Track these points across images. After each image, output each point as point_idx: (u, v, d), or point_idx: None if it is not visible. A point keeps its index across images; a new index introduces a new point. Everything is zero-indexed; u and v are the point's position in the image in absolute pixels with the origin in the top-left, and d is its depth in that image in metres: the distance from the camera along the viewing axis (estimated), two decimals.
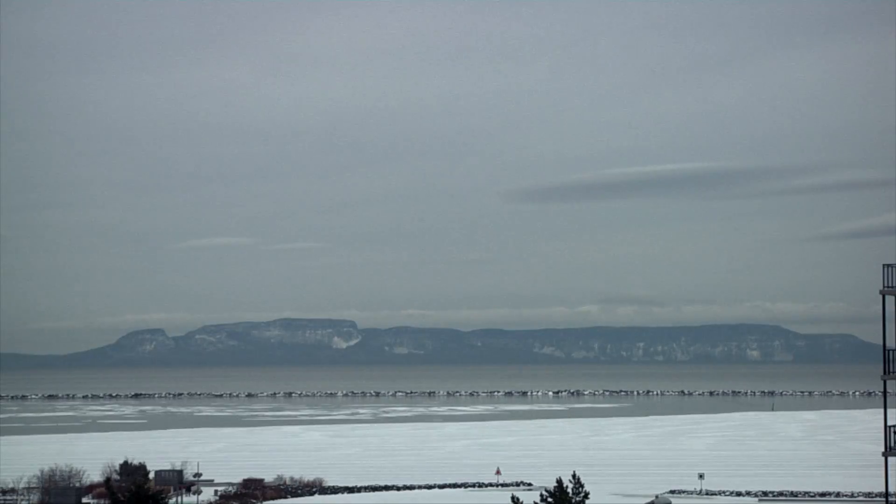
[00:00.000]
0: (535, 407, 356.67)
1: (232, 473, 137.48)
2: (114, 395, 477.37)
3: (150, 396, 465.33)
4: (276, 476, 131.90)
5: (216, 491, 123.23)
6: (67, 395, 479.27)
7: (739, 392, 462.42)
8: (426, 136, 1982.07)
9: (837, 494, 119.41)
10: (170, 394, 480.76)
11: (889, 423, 66.36)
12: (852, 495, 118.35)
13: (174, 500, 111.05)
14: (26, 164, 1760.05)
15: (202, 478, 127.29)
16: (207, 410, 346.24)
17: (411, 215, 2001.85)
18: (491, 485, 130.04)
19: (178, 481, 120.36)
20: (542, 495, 72.80)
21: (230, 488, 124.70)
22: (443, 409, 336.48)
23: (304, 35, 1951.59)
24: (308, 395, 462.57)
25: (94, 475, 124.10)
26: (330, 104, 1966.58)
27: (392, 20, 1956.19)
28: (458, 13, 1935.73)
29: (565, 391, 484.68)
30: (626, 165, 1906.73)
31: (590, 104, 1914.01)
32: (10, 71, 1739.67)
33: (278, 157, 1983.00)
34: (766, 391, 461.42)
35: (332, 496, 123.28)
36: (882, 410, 67.48)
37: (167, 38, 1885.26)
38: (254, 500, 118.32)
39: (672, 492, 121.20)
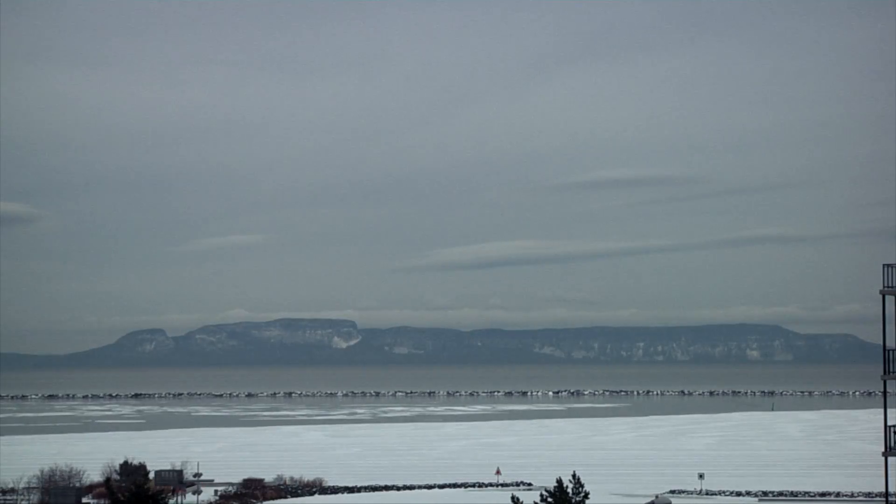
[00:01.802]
0: (535, 407, 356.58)
1: (232, 473, 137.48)
2: (113, 395, 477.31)
3: (150, 396, 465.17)
4: (276, 476, 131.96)
5: (216, 491, 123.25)
6: (67, 395, 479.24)
7: (739, 392, 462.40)
8: (411, 135, 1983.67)
9: (837, 494, 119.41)
10: (169, 394, 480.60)
11: (889, 423, 66.34)
12: (852, 495, 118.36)
13: (174, 500, 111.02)
14: None
15: (202, 478, 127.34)
16: (207, 410, 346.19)
17: (411, 214, 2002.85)
18: (491, 485, 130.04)
19: (178, 481, 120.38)
20: (542, 495, 72.75)
21: (230, 488, 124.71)
22: (442, 409, 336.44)
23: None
24: (308, 395, 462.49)
25: (94, 475, 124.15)
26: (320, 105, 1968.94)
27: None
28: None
29: (565, 391, 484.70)
30: (622, 165, 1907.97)
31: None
32: None
33: (274, 157, 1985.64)
34: (766, 391, 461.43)
35: (332, 496, 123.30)
36: (882, 410, 67.47)
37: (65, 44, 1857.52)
38: (254, 500, 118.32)
39: (672, 492, 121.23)
